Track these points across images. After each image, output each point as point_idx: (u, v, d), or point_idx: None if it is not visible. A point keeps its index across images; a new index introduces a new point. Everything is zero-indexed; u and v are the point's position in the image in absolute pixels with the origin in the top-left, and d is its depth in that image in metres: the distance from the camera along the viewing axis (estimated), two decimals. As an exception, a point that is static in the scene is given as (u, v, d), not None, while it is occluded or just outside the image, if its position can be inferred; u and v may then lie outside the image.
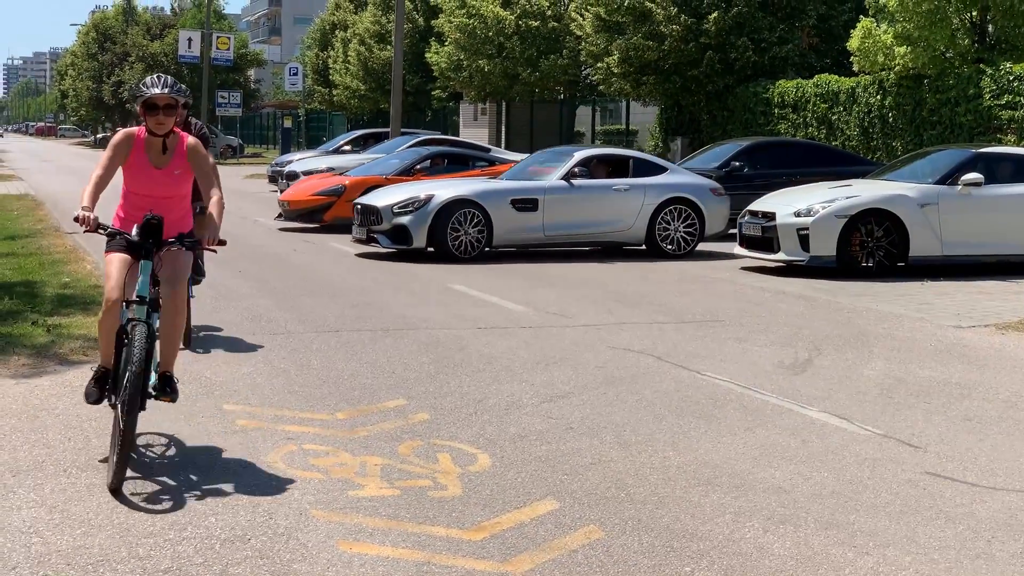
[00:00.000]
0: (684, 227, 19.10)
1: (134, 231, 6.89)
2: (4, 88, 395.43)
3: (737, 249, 17.32)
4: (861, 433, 7.89)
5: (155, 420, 7.91)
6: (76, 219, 6.76)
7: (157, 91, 7.00)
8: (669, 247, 18.96)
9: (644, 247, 19.17)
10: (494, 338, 11.20)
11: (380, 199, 18.60)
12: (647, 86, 36.16)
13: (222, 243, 6.91)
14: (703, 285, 15.36)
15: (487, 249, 18.15)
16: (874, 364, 10.19)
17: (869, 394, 9.03)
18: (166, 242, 6.88)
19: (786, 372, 9.82)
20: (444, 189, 18.54)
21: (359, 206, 18.92)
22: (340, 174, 25.39)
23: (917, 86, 27.21)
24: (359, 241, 18.86)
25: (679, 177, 19.67)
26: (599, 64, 37.42)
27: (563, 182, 18.91)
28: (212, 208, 7.01)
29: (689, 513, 6.19)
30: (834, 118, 29.97)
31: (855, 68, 28.71)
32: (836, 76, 30.83)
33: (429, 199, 18.02)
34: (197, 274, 10.57)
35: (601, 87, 39.80)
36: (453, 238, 17.91)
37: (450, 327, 11.79)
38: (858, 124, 29.04)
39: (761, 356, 10.48)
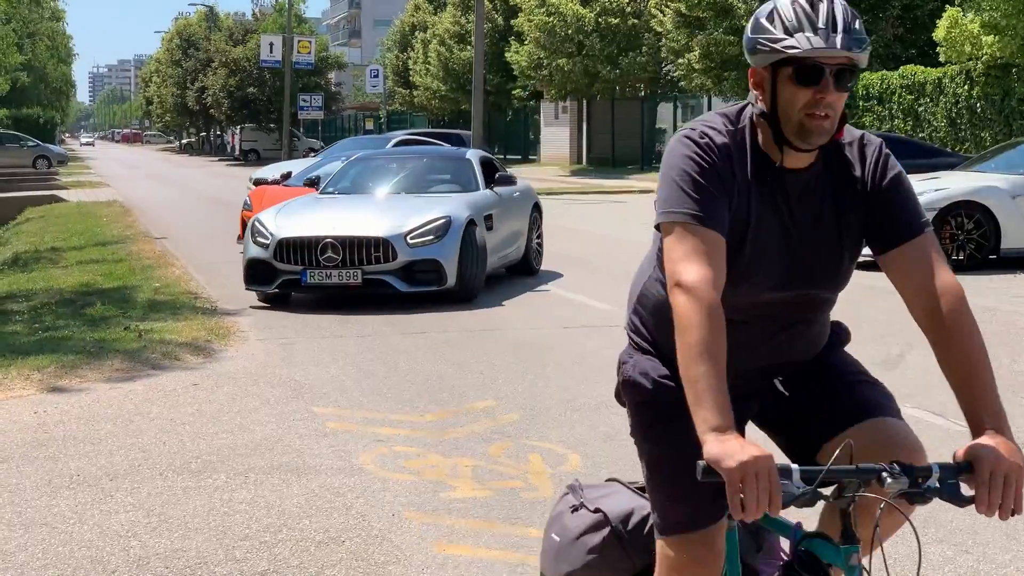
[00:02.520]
0: (536, 236, 16.38)
1: None
2: (90, 96, 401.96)
3: None
4: (956, 429, 7.77)
5: (246, 424, 7.99)
6: None
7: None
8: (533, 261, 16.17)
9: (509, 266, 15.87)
10: (582, 337, 11.18)
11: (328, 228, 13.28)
12: (729, 81, 36.01)
13: None
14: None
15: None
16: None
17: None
18: None
19: (879, 368, 9.64)
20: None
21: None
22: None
23: (1005, 75, 26.82)
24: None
25: (521, 181, 16.96)
26: (680, 60, 37.31)
27: (492, 192, 15.23)
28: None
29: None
30: (921, 110, 29.62)
31: (941, 58, 28.37)
32: (922, 67, 30.47)
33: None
34: None
35: (682, 83, 39.67)
36: None
37: (537, 327, 11.78)
38: (945, 115, 28.68)
39: (852, 352, 10.33)
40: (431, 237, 13.25)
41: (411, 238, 13.18)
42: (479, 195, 14.88)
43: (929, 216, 15.64)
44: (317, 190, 16.05)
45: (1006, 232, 15.90)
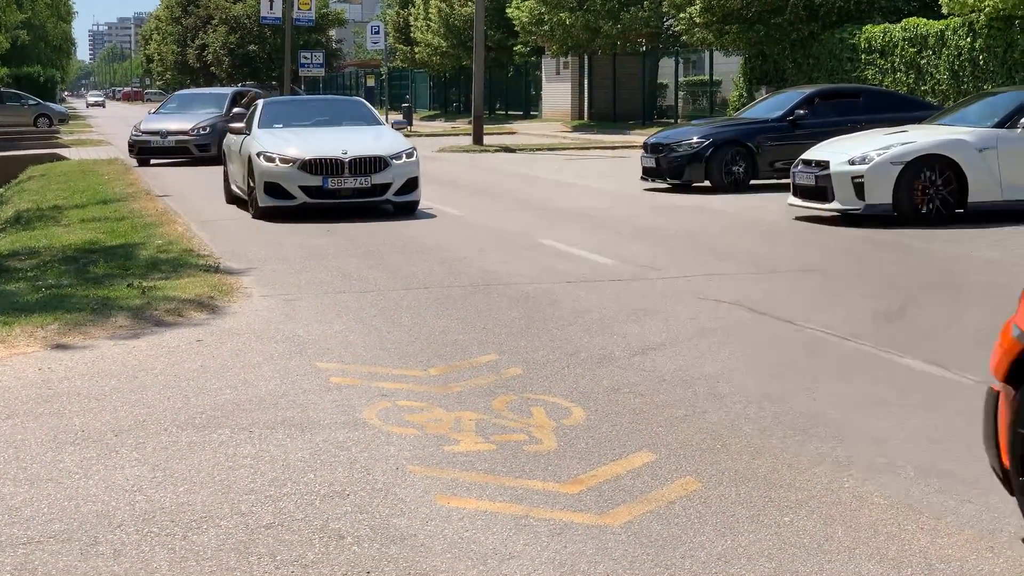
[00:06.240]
0: None
1: None
2: (90, 54, 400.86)
3: (790, 199, 17.01)
4: (960, 380, 7.79)
5: (250, 379, 8.01)
6: None
7: None
8: None
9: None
10: (584, 291, 11.19)
11: None
12: (730, 35, 35.82)
13: None
14: (793, 236, 15.23)
15: None
16: (971, 311, 10.06)
17: (967, 341, 8.91)
18: None
19: (881, 320, 9.71)
20: None
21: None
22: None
23: (1008, 27, 26.69)
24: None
25: None
26: (681, 15, 37.13)
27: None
28: None
29: (786, 463, 6.16)
30: (923, 62, 29.49)
31: (944, 11, 28.22)
32: (924, 19, 30.32)
33: None
34: None
35: (684, 38, 39.49)
36: None
37: (540, 281, 11.80)
38: (948, 68, 28.57)
39: (855, 305, 10.38)
40: None
41: None
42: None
43: (895, 170, 15.55)
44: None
45: (973, 186, 15.75)
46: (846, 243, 14.25)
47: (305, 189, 17.22)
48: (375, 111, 20.61)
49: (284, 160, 17.31)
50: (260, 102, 20.51)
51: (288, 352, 8.82)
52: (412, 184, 17.73)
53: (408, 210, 17.88)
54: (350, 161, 17.25)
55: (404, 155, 17.70)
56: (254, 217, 17.70)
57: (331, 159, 17.25)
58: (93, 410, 7.31)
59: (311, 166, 17.19)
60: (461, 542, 5.19)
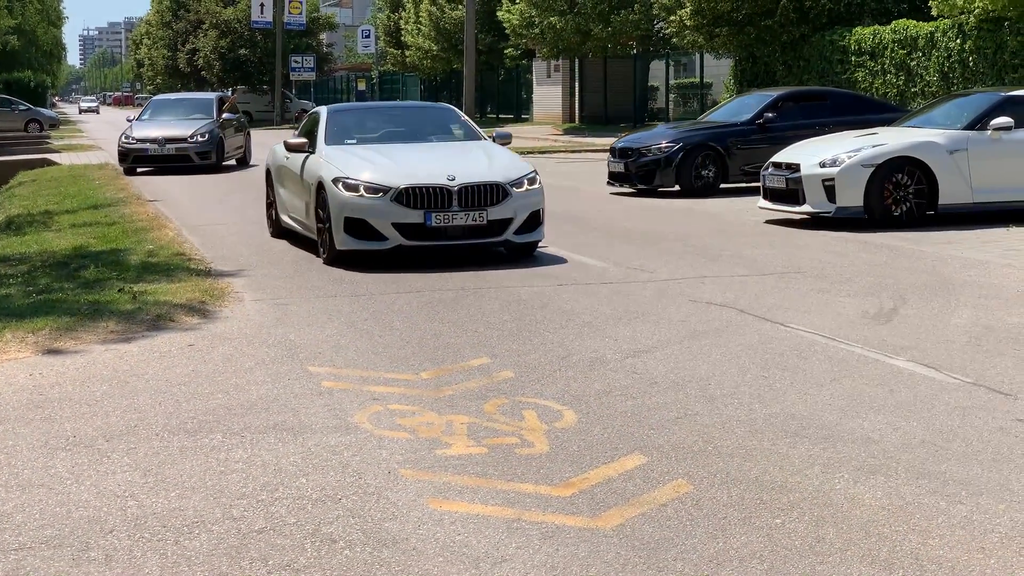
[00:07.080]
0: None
1: None
2: (81, 59, 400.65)
3: (761, 202, 16.98)
4: (950, 381, 7.80)
5: (241, 384, 8.01)
6: None
7: None
8: None
9: None
10: (575, 294, 11.20)
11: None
12: (721, 38, 35.84)
13: None
14: (783, 237, 15.24)
15: None
16: (961, 312, 10.07)
17: (957, 342, 8.93)
18: None
19: (871, 322, 9.72)
20: None
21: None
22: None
23: (998, 29, 26.73)
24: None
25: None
26: (672, 17, 37.14)
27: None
28: None
29: (777, 465, 6.17)
30: (913, 64, 29.53)
31: (934, 12, 28.25)
32: (914, 21, 30.34)
33: None
34: None
35: (674, 40, 39.50)
36: None
37: (531, 284, 11.80)
38: (938, 70, 28.60)
39: (845, 306, 10.39)
40: None
41: None
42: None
43: (867, 172, 15.53)
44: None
45: (943, 188, 15.70)
46: (831, 245, 14.26)
47: (400, 227, 13.04)
48: (471, 122, 16.13)
49: (371, 189, 13.08)
50: (323, 110, 15.71)
51: (280, 356, 8.82)
52: (535, 219, 13.58)
53: (527, 252, 13.82)
54: (459, 190, 13.05)
55: (526, 181, 13.53)
56: (326, 263, 13.47)
57: (435, 187, 13.04)
58: (84, 415, 7.30)
59: (409, 197, 12.98)
60: (453, 546, 5.20)
